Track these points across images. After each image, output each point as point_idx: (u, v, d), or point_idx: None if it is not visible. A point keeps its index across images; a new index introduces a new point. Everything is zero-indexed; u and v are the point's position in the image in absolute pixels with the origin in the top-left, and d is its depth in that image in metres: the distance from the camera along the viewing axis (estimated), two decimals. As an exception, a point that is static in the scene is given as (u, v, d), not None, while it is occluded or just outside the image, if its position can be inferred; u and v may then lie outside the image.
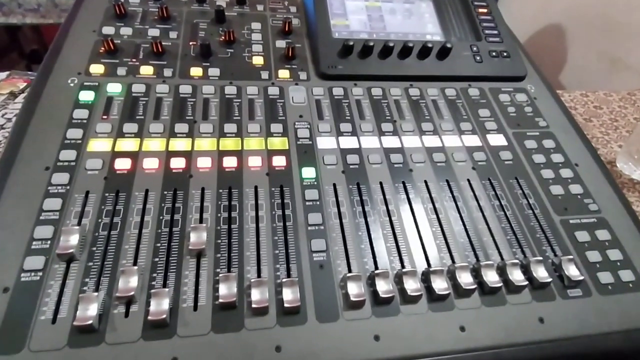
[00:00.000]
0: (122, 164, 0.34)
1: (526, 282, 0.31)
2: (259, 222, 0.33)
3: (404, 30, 0.50)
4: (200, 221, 0.32)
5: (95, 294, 0.26)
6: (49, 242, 0.29)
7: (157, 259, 0.30)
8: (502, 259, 0.33)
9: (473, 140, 0.42)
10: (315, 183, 0.36)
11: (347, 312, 0.29)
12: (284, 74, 0.45)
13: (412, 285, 0.30)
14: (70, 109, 0.37)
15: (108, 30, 0.45)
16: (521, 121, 0.45)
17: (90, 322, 0.25)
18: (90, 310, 0.26)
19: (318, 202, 0.35)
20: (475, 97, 0.47)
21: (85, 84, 0.39)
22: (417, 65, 0.47)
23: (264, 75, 0.44)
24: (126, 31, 0.45)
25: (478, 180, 0.39)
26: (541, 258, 0.33)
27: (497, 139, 0.43)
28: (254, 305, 0.27)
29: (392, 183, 0.37)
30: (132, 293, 0.27)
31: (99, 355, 0.25)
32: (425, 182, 0.38)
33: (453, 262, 0.33)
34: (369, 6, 0.52)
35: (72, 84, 0.39)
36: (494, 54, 0.50)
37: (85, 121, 0.37)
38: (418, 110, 0.44)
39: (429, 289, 0.31)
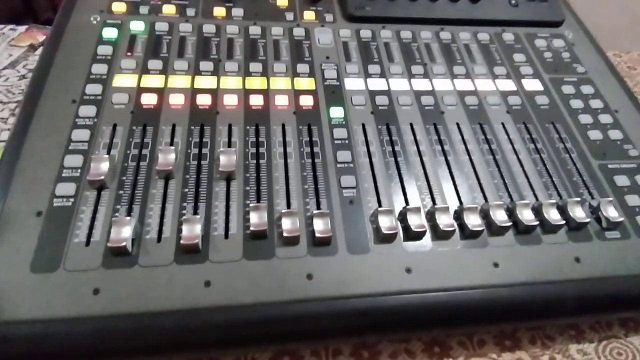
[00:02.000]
0: (148, 99, 0.34)
1: (563, 222, 0.30)
2: (287, 158, 0.32)
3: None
4: (228, 155, 0.31)
5: (128, 217, 0.26)
6: (79, 170, 0.29)
7: (186, 190, 0.29)
8: (537, 200, 0.32)
9: (507, 85, 0.40)
10: (344, 123, 0.35)
11: (378, 245, 0.29)
12: (309, 15, 0.43)
13: (445, 221, 0.29)
14: (94, 46, 0.36)
15: (128, -31, 0.43)
16: (558, 67, 0.43)
17: (124, 243, 0.25)
18: (124, 233, 0.26)
19: (347, 141, 0.34)
20: (509, 42, 0.44)
21: (108, 21, 0.38)
22: (448, 8, 0.45)
23: (289, 16, 0.43)
24: (147, -29, 0.44)
25: (513, 124, 0.37)
26: (579, 199, 0.31)
27: (532, 84, 0.41)
28: (285, 234, 0.27)
29: (422, 125, 0.36)
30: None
31: (133, 276, 0.25)
32: (458, 124, 0.36)
33: (486, 201, 0.32)
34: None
35: (94, 22, 0.38)
36: (530, -2, 0.47)
37: (109, 57, 0.36)
38: (449, 54, 0.42)
39: (461, 226, 0.30)
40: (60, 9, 0.39)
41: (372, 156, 0.33)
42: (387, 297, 0.27)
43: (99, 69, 0.35)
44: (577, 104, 0.39)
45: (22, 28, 0.68)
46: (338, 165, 0.32)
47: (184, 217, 0.27)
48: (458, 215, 0.30)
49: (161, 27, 0.39)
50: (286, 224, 0.28)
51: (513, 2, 0.46)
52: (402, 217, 0.30)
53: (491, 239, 0.30)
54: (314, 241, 0.28)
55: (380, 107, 0.36)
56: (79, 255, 0.26)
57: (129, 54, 0.37)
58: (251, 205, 0.28)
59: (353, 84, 0.38)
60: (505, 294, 0.28)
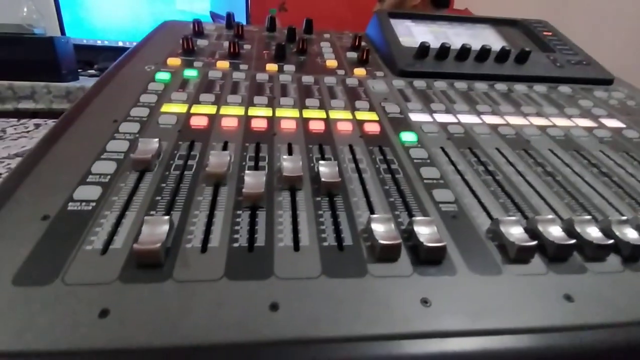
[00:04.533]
0: (198, 121, 0.30)
1: None
2: (361, 173, 0.26)
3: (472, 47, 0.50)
4: (291, 169, 0.26)
5: (166, 217, 0.19)
6: (109, 177, 0.23)
7: (241, 198, 0.23)
8: (694, 221, 0.24)
9: (586, 122, 0.36)
10: (419, 146, 0.30)
11: (511, 265, 0.20)
12: (359, 71, 0.43)
13: (596, 234, 0.21)
14: (145, 84, 0.35)
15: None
16: (630, 111, 0.40)
17: (157, 245, 0.17)
18: (158, 234, 0.18)
19: (428, 160, 0.28)
20: (568, 94, 0.43)
21: (162, 69, 0.38)
22: (496, 67, 0.45)
23: (340, 72, 0.42)
24: (203, 43, 0.46)
25: (613, 151, 0.32)
26: None
27: (612, 122, 0.37)
28: (382, 242, 0.19)
29: (510, 150, 0.31)
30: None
31: (163, 293, 0.17)
32: (551, 150, 0.31)
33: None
34: (434, 30, 0.53)
35: (148, 69, 0.38)
36: (573, 61, 0.47)
37: (160, 92, 0.34)
38: (511, 100, 0.40)
39: (613, 245, 0.22)
40: (115, 63, 0.39)
41: (464, 174, 0.27)
42: (549, 333, 0.17)
43: (148, 98, 0.32)
44: (673, 137, 0.35)
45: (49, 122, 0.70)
46: (425, 181, 0.26)
47: (237, 226, 0.20)
48: (605, 230, 0.22)
49: (214, 74, 0.38)
50: (380, 229, 0.20)
51: (558, 64, 0.47)
52: (531, 233, 0.22)
53: (663, 261, 0.21)
54: (420, 256, 0.20)
55: (456, 135, 0.32)
56: (89, 264, 0.18)
57: (180, 90, 0.35)
58: (326, 212, 0.21)
59: (419, 117, 0.34)
60: None
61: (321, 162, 0.25)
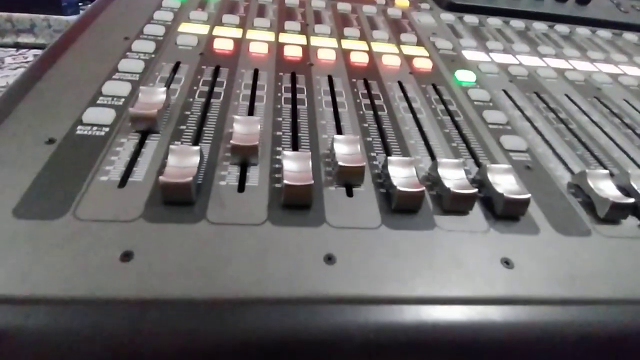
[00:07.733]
0: (223, 44, 0.26)
1: None
2: (416, 114, 0.22)
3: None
4: (334, 103, 0.22)
5: (195, 147, 0.16)
6: (122, 99, 0.20)
7: (279, 133, 0.19)
8: None
9: (662, 73, 0.32)
10: (478, 87, 0.26)
11: (601, 226, 0.17)
12: (401, 2, 0.37)
13: (699, 194, 0.18)
14: (158, 0, 0.30)
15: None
16: None
17: (187, 179, 0.14)
18: (187, 168, 0.15)
19: (491, 103, 0.24)
20: (634, 41, 0.37)
21: (176, -13, 0.33)
22: (556, 7, 0.39)
23: (380, 1, 0.37)
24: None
25: (696, 105, 0.28)
26: None
27: (691, 74, 0.32)
28: (454, 190, 0.16)
29: (582, 97, 0.27)
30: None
31: (198, 235, 0.14)
32: (626, 100, 0.27)
33: None
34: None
35: (161, -15, 0.33)
36: (638, 7, 0.42)
37: (176, 9, 0.29)
38: (575, 43, 0.35)
39: None
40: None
41: (533, 121, 0.23)
42: (657, 308, 0.14)
43: (163, 15, 0.28)
44: None
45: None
46: (490, 126, 0.22)
47: (285, 155, 0.16)
48: None
49: (237, -5, 0.33)
50: (449, 175, 0.17)
51: (622, 9, 0.41)
52: (623, 190, 0.18)
53: None
54: (496, 210, 0.16)
55: (519, 77, 0.28)
56: (105, 198, 0.15)
57: (200, 9, 0.30)
58: (392, 158, 0.18)
59: (474, 55, 0.30)
60: None
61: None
